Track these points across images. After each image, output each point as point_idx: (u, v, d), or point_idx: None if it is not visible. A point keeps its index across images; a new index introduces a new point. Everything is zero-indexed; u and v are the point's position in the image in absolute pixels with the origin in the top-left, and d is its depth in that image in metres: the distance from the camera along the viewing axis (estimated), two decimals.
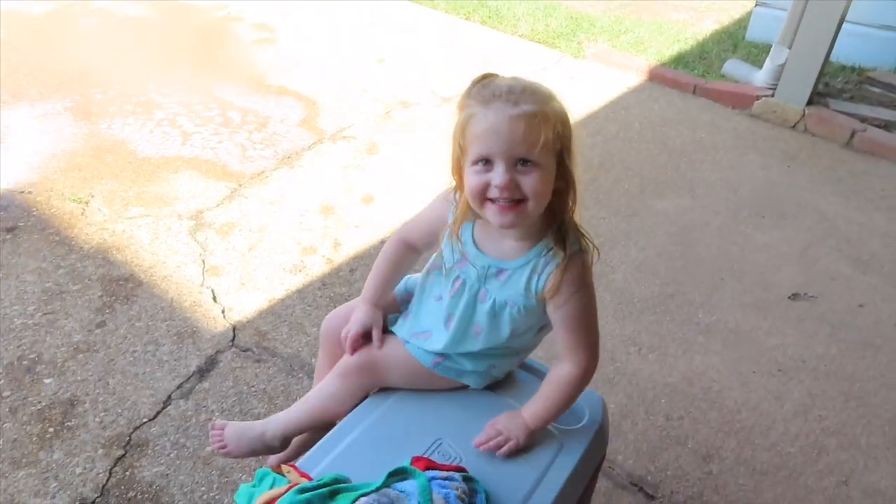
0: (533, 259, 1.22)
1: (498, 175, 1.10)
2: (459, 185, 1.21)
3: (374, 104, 3.84)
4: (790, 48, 3.96)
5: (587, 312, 1.27)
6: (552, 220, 1.21)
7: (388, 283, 1.46)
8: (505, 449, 1.29)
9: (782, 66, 4.04)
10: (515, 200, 1.12)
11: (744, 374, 2.37)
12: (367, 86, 4.02)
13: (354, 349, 1.39)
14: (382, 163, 3.33)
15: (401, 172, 3.27)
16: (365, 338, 1.41)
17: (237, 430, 1.45)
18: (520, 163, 1.10)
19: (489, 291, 1.27)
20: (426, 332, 1.38)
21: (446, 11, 5.20)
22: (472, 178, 1.13)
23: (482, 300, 1.28)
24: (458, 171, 1.19)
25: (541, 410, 1.30)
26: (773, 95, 4.10)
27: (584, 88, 4.26)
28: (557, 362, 1.31)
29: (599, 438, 1.44)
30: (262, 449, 1.46)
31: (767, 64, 4.18)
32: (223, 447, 1.45)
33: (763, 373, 2.38)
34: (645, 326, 2.52)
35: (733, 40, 4.94)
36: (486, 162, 1.11)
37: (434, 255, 1.37)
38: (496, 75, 1.15)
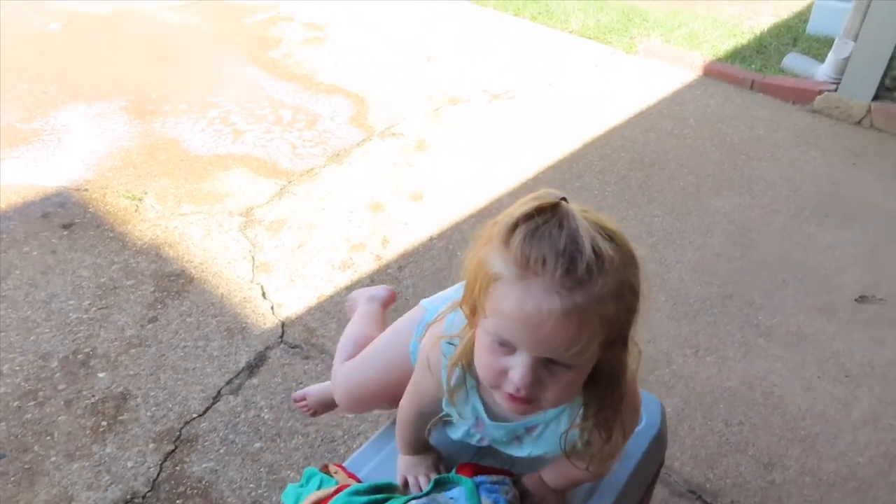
0: (568, 407, 0.98)
1: (518, 372, 0.82)
2: (471, 322, 0.91)
3: (423, 101, 3.81)
4: (855, 41, 3.79)
5: (629, 431, 1.05)
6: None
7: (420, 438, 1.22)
8: None
9: (846, 59, 3.87)
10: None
11: (808, 379, 2.25)
12: (415, 83, 4.00)
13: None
14: (431, 160, 3.30)
15: (450, 170, 3.24)
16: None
17: (317, 395, 1.65)
18: (550, 361, 0.82)
19: (523, 444, 1.06)
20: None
21: (496, 8, 5.14)
22: (487, 357, 0.86)
23: (517, 447, 1.07)
24: (472, 310, 0.88)
25: (562, 485, 1.17)
26: (836, 90, 3.93)
27: (636, 84, 4.15)
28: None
29: (658, 443, 1.38)
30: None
31: (830, 57, 4.01)
32: (313, 413, 1.67)
33: (829, 378, 2.26)
34: (702, 328, 2.42)
35: (793, 34, 4.76)
36: (507, 344, 0.83)
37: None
38: (557, 207, 0.79)
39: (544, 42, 4.68)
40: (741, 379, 2.24)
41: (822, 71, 4.06)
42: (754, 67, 4.27)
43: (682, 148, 3.53)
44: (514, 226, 0.79)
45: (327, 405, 1.65)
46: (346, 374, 1.42)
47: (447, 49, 4.46)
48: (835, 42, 3.97)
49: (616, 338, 0.83)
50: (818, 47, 4.45)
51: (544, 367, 0.82)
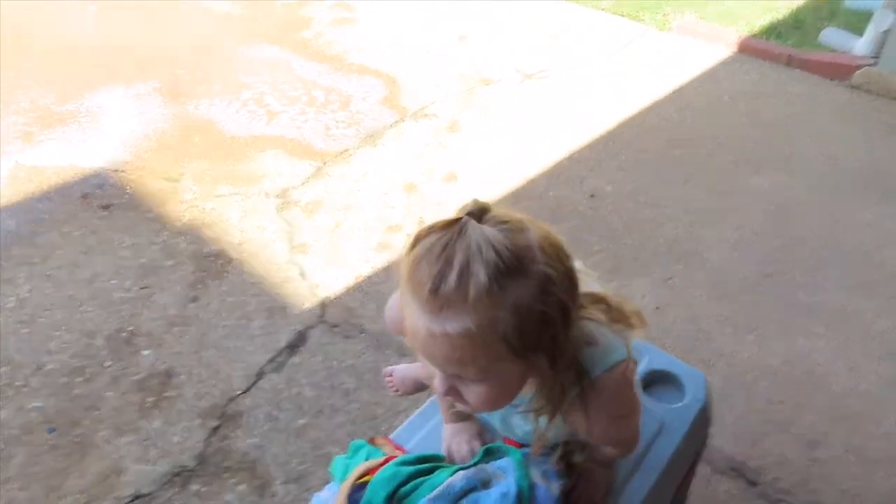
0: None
1: (436, 381, 0.87)
2: None
3: (456, 82, 3.79)
4: None
5: (627, 431, 1.06)
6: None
7: None
8: (602, 491, 1.17)
9: (886, 32, 3.76)
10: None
11: (851, 357, 2.22)
12: (448, 63, 3.98)
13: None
14: (464, 141, 3.29)
15: (483, 151, 3.22)
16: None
17: (402, 373, 1.57)
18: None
19: (515, 423, 1.09)
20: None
21: None
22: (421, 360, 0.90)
23: (514, 426, 1.10)
24: None
25: (605, 461, 1.16)
26: (875, 64, 3.83)
27: (670, 62, 4.08)
28: None
29: (703, 418, 1.37)
30: (422, 386, 1.57)
31: (869, 31, 3.90)
32: (396, 390, 1.59)
33: (873, 357, 2.22)
34: (742, 307, 2.40)
35: (830, 8, 4.63)
36: None
37: None
38: (455, 224, 0.78)
39: (577, 20, 4.61)
40: (783, 357, 2.21)
41: (861, 45, 3.96)
42: (791, 43, 4.17)
43: (717, 126, 3.47)
44: (415, 240, 0.80)
45: (409, 385, 1.60)
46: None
47: (480, 28, 4.42)
48: (874, 15, 3.86)
49: (521, 352, 0.81)
50: (856, 21, 4.32)
51: (456, 377, 0.85)
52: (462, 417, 1.24)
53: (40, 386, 2.05)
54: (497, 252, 0.75)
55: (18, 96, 3.48)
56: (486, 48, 4.18)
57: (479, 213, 0.80)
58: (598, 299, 0.96)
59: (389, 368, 1.67)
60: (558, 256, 0.82)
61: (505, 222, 0.80)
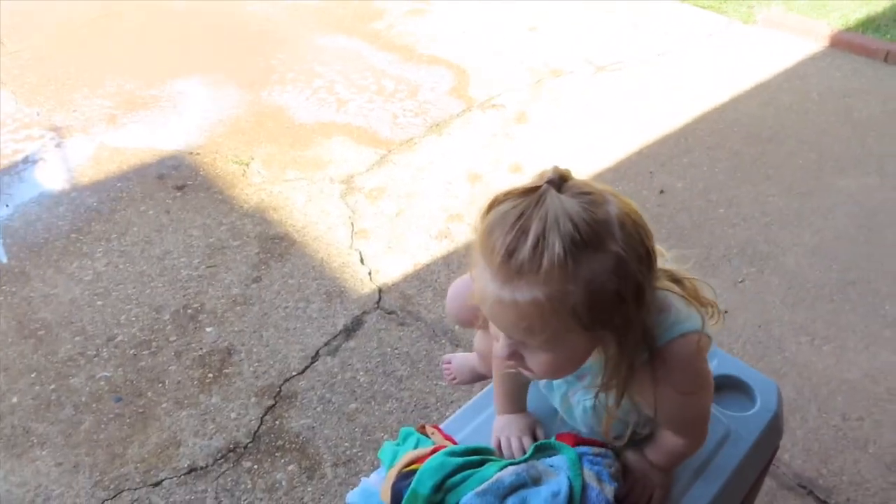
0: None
1: (498, 345, 0.87)
2: None
3: (525, 73, 3.73)
4: None
5: (695, 411, 1.01)
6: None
7: (516, 390, 1.21)
8: (658, 498, 1.11)
9: None
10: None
11: None
12: (518, 54, 3.92)
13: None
14: (532, 133, 3.23)
15: (551, 143, 3.16)
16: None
17: (460, 362, 1.56)
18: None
19: (577, 393, 1.06)
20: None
21: None
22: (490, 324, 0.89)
23: (574, 404, 1.07)
24: None
25: (665, 462, 1.11)
26: None
27: (753, 56, 3.89)
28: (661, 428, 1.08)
29: (773, 428, 1.29)
30: (480, 376, 1.54)
31: None
32: (453, 378, 1.58)
33: None
34: (820, 315, 2.26)
35: None
36: None
37: None
38: (534, 191, 0.77)
39: (654, 11, 4.46)
40: (863, 371, 2.07)
41: None
42: (889, 37, 3.91)
43: (803, 123, 3.29)
44: (490, 205, 0.80)
45: (466, 374, 1.58)
46: (462, 281, 1.38)
47: (551, 19, 4.34)
48: None
49: (590, 326, 0.79)
50: None
51: (520, 342, 0.84)
52: (514, 409, 1.20)
53: (110, 356, 2.13)
54: (575, 224, 0.74)
55: (107, 81, 3.62)
56: (557, 39, 4.10)
57: (559, 181, 0.78)
58: (674, 278, 0.93)
59: (448, 356, 1.65)
60: (638, 233, 0.80)
61: (585, 193, 0.78)
